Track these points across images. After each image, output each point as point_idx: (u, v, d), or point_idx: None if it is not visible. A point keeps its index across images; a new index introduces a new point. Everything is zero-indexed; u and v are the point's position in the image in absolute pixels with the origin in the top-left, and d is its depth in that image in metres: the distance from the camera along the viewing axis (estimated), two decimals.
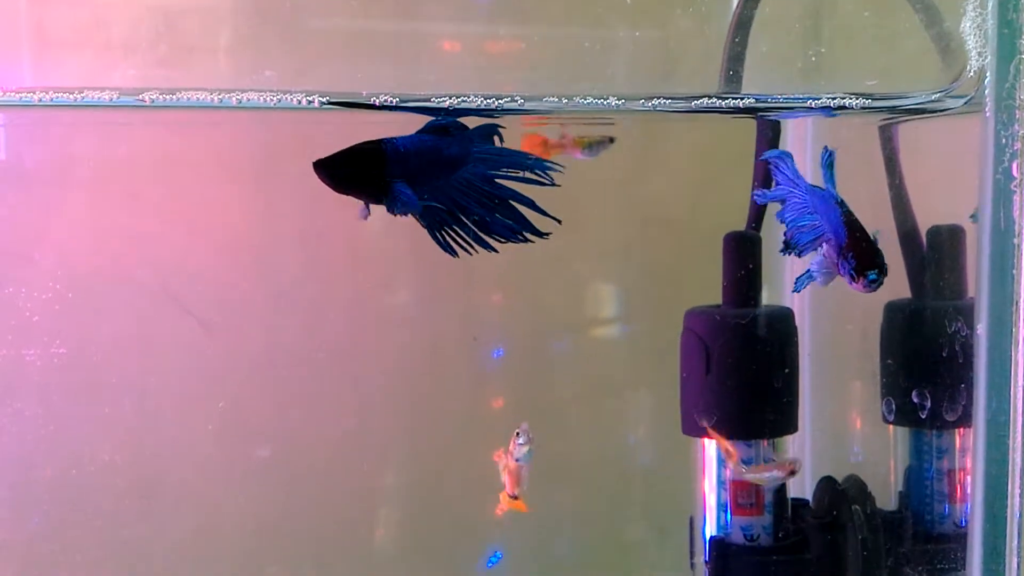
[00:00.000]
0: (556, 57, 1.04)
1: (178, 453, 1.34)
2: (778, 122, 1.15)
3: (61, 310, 1.25)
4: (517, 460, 1.10)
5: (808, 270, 0.98)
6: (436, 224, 0.93)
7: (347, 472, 1.38)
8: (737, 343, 1.12)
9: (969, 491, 0.98)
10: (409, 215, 0.92)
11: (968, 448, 1.10)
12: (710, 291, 1.18)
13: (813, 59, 1.01)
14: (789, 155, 1.00)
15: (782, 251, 1.00)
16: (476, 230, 0.93)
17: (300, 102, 0.91)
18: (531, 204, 0.95)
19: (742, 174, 1.18)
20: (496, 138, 0.96)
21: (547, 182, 0.95)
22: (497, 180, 0.95)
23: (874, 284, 0.95)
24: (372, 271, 1.36)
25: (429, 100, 0.92)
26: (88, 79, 1.04)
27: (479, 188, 0.94)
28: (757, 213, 1.17)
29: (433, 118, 0.94)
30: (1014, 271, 0.92)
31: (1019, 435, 0.93)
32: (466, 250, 0.94)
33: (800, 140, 1.28)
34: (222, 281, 1.34)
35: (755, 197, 0.99)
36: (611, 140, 1.13)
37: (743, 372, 1.12)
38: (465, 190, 0.93)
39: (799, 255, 0.99)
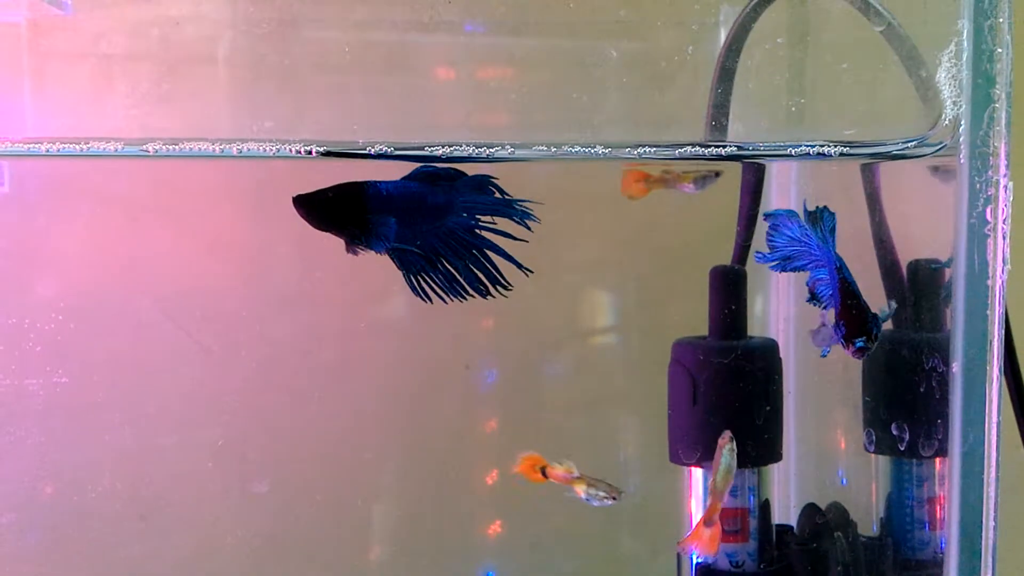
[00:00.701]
0: (546, 103, 1.06)
1: (176, 475, 1.36)
2: (762, 165, 1.18)
3: (63, 339, 1.27)
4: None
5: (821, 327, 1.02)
6: (413, 269, 0.95)
7: (343, 490, 1.39)
8: (722, 375, 1.14)
9: (946, 522, 0.99)
10: (387, 255, 0.94)
11: (946, 476, 1.08)
12: (701, 316, 1.20)
13: (793, 109, 1.03)
14: (794, 214, 1.03)
15: (808, 300, 1.03)
16: (449, 281, 0.96)
17: (298, 152, 0.93)
18: (507, 256, 0.97)
19: (732, 202, 1.21)
20: (493, 189, 0.98)
21: (527, 228, 0.98)
22: (478, 231, 0.97)
23: (862, 352, 0.99)
24: (367, 289, 1.37)
25: (423, 148, 0.94)
26: (89, 115, 1.05)
27: (459, 238, 0.96)
28: (742, 247, 1.20)
29: (424, 164, 0.97)
30: (987, 311, 0.94)
31: (993, 469, 0.96)
32: (441, 298, 0.96)
33: (784, 179, 1.31)
34: (219, 303, 1.36)
35: (757, 258, 1.03)
36: (717, 174, 1.15)
37: (728, 403, 1.14)
38: (444, 239, 0.95)
39: (824, 308, 1.02)
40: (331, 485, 1.39)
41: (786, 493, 1.32)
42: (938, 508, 1.15)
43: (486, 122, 1.11)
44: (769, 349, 1.17)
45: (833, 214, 1.01)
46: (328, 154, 0.93)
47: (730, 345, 1.15)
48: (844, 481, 1.29)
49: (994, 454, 0.96)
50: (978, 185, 0.93)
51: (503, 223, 0.99)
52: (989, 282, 0.93)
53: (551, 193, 1.18)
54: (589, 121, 1.04)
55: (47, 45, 1.09)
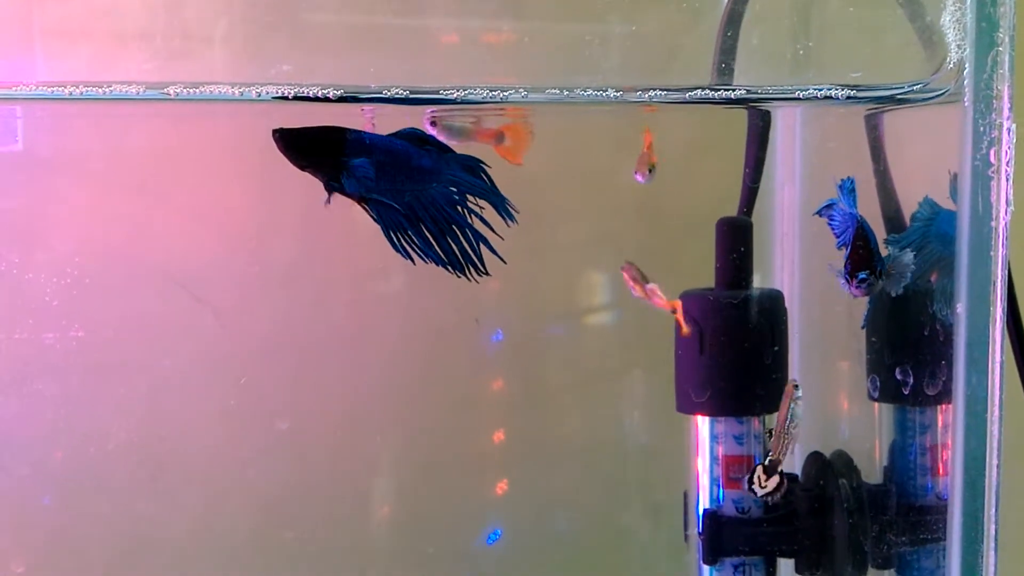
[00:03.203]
0: (553, 51, 1.07)
1: (187, 434, 1.37)
2: (768, 112, 1.19)
3: (78, 294, 1.28)
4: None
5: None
6: (393, 225, 0.96)
7: (351, 451, 1.41)
8: (729, 324, 1.16)
9: (950, 465, 0.99)
10: (367, 208, 0.95)
11: (949, 424, 1.09)
12: (703, 277, 1.20)
13: (801, 52, 1.04)
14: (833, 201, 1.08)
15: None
16: (426, 246, 0.97)
17: (316, 95, 0.94)
18: (484, 241, 0.98)
19: (732, 161, 1.22)
20: (483, 175, 0.99)
21: (507, 218, 0.99)
22: (461, 208, 0.98)
23: (864, 284, 1.03)
24: (371, 257, 1.37)
25: (437, 92, 0.96)
26: (103, 70, 1.06)
27: (440, 208, 0.97)
28: (748, 199, 1.20)
29: (415, 128, 0.98)
30: (991, 252, 0.95)
31: (996, 410, 0.97)
32: (421, 258, 0.97)
33: (789, 128, 1.31)
34: (227, 267, 1.37)
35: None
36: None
37: (735, 352, 1.15)
38: (425, 205, 0.96)
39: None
40: (339, 443, 1.40)
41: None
42: (941, 456, 1.16)
43: (494, 68, 1.12)
44: (775, 299, 1.18)
45: (851, 178, 1.06)
46: (344, 99, 0.94)
47: (736, 295, 1.16)
48: (846, 432, 1.30)
49: (997, 396, 0.96)
50: (982, 128, 0.93)
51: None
52: (993, 223, 0.94)
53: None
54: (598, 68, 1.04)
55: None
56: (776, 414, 1.10)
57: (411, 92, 0.95)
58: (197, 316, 1.33)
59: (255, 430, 1.37)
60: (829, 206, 1.08)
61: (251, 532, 1.39)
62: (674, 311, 1.14)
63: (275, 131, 0.94)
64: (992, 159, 0.93)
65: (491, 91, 0.95)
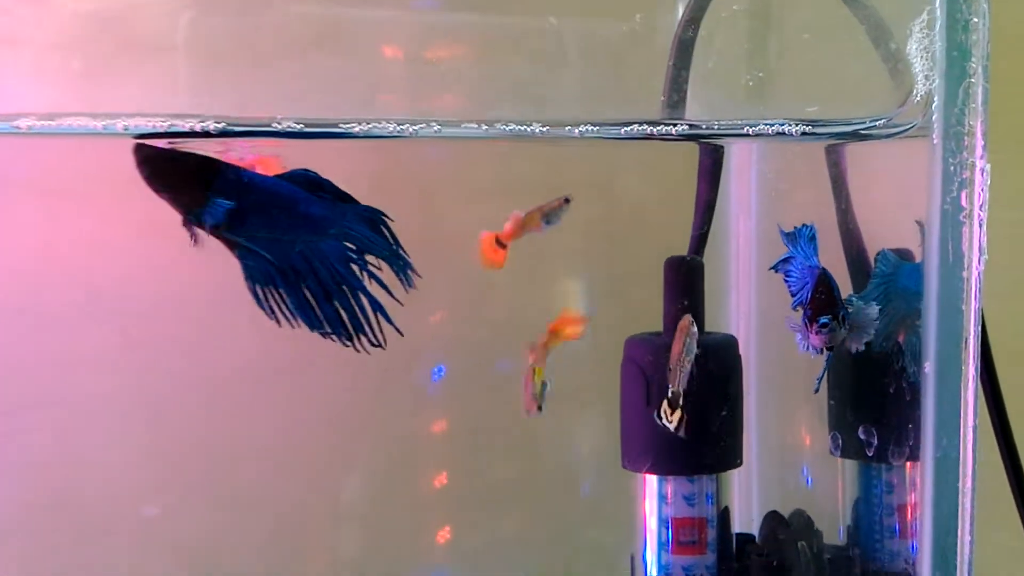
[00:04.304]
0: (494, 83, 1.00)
1: (105, 480, 1.28)
2: (720, 147, 1.12)
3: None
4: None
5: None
6: (260, 278, 0.86)
7: (283, 494, 1.33)
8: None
9: (918, 532, 0.94)
10: (234, 256, 0.85)
11: (917, 482, 1.08)
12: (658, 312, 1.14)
13: (751, 84, 0.96)
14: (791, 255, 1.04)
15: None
16: (300, 306, 0.87)
17: (193, 128, 0.84)
18: (380, 309, 0.90)
19: (687, 192, 1.16)
20: (385, 230, 0.90)
21: (406, 284, 0.91)
22: (353, 267, 0.89)
23: (824, 330, 0.97)
24: None
25: (336, 125, 0.86)
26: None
27: (329, 266, 0.88)
28: (700, 237, 1.14)
29: (308, 171, 0.88)
30: (963, 306, 0.89)
31: (969, 478, 0.91)
32: (288, 319, 0.88)
33: (744, 160, 1.26)
34: (148, 296, 1.26)
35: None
36: (567, 200, 1.08)
37: (686, 405, 1.06)
38: (309, 260, 0.87)
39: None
40: (274, 480, 1.33)
41: (747, 500, 1.29)
42: (909, 516, 1.12)
43: (433, 104, 1.04)
44: (728, 346, 1.12)
45: (810, 225, 1.02)
46: (226, 133, 0.84)
47: None
48: (809, 482, 1.25)
49: (970, 461, 0.91)
50: (952, 167, 0.87)
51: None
52: (965, 274, 0.88)
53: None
54: (542, 101, 0.96)
55: None
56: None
57: (306, 124, 0.85)
58: (115, 351, 1.24)
59: (177, 471, 1.29)
60: (786, 260, 1.03)
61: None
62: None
63: (136, 144, 0.84)
64: (963, 202, 0.87)
65: (399, 125, 0.84)
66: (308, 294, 0.87)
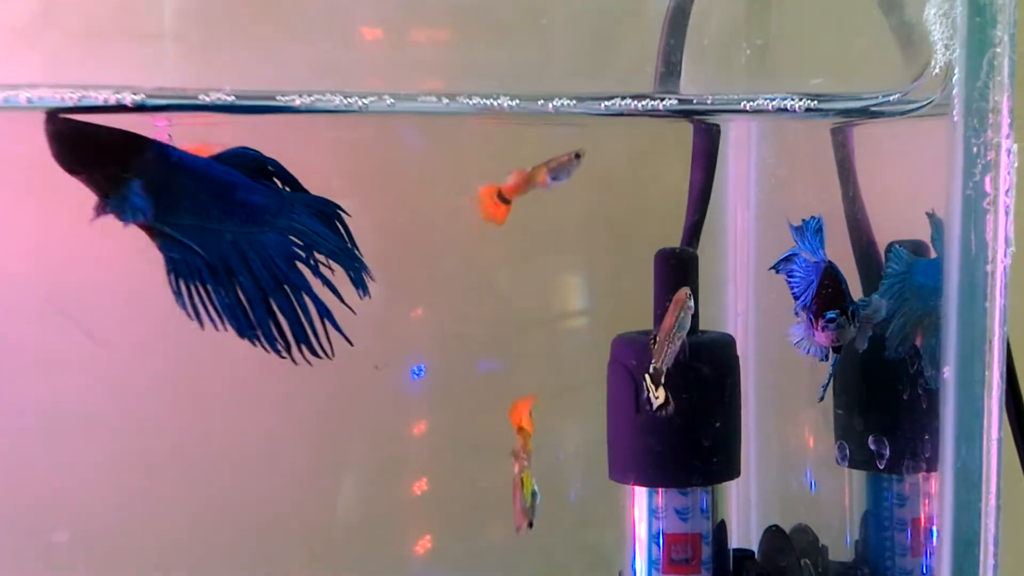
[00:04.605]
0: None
1: (67, 486, 1.25)
2: (717, 126, 1.07)
3: None
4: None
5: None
6: (183, 271, 0.78)
7: (254, 499, 1.30)
8: (671, 377, 1.02)
9: (936, 545, 0.93)
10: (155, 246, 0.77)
11: (933, 494, 1.06)
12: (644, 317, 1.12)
13: (748, 52, 0.90)
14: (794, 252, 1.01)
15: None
16: (230, 307, 0.79)
17: (108, 100, 0.75)
18: (328, 315, 0.82)
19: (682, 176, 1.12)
20: (339, 225, 0.82)
21: (360, 290, 0.84)
22: (300, 265, 0.81)
23: (832, 325, 0.94)
24: None
25: (273, 98, 0.77)
26: None
27: (269, 261, 0.80)
28: (694, 227, 1.11)
29: (251, 150, 0.80)
30: (986, 303, 0.84)
31: (993, 495, 0.86)
32: (212, 320, 0.80)
33: (742, 143, 1.21)
34: (117, 297, 1.23)
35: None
36: (577, 156, 1.03)
37: (677, 410, 1.02)
38: (245, 253, 0.79)
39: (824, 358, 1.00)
40: (242, 485, 1.29)
41: (746, 513, 1.26)
42: (923, 531, 1.08)
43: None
44: (725, 345, 1.09)
45: (816, 217, 0.99)
46: (145, 107, 0.75)
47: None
48: (813, 490, 1.23)
49: (994, 476, 0.86)
50: (975, 148, 0.81)
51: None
52: (989, 267, 0.82)
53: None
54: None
55: None
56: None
57: (237, 97, 0.76)
58: (77, 351, 1.20)
59: (144, 478, 1.25)
60: (788, 259, 1.00)
61: None
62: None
63: (48, 115, 0.75)
64: (987, 187, 0.82)
65: (345, 98, 0.76)
66: (240, 293, 0.78)
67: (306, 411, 1.29)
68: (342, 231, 0.83)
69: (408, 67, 0.98)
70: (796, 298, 0.99)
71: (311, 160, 0.97)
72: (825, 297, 0.94)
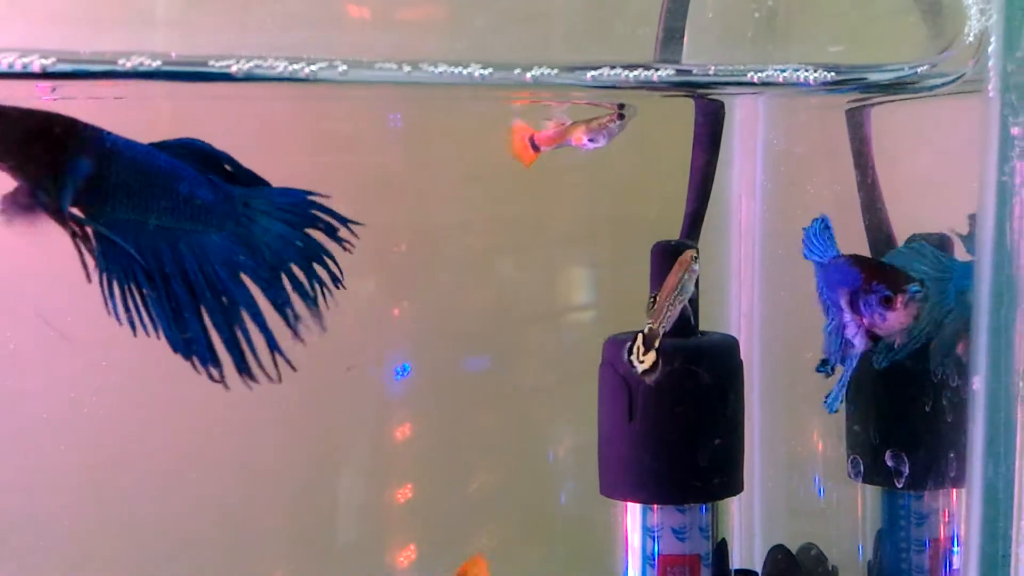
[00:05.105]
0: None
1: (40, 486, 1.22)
2: (721, 104, 1.04)
3: None
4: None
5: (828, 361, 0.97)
6: (117, 270, 0.70)
7: (235, 505, 1.27)
8: (667, 382, 1.00)
9: (958, 568, 0.93)
10: (87, 240, 0.70)
11: (955, 512, 1.02)
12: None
13: (756, 15, 0.83)
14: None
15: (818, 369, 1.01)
16: (163, 315, 0.71)
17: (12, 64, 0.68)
18: (271, 340, 0.74)
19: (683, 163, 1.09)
20: (319, 219, 0.75)
21: (315, 316, 0.76)
22: (249, 277, 0.73)
23: (918, 295, 0.89)
24: None
25: (206, 64, 0.70)
26: None
27: (208, 269, 0.72)
28: (694, 217, 1.07)
29: (198, 141, 0.72)
30: (1022, 307, 0.79)
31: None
32: (144, 325, 0.72)
33: (749, 124, 1.18)
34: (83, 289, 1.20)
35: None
36: (621, 116, 1.01)
37: (675, 419, 1.01)
38: (183, 256, 0.71)
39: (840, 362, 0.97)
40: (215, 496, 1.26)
41: (749, 531, 1.24)
42: (943, 552, 1.05)
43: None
44: (728, 348, 1.05)
45: (822, 217, 0.97)
46: (49, 74, 0.67)
47: (678, 344, 1.01)
48: (817, 519, 1.19)
49: None
50: (1013, 129, 0.76)
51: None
52: None
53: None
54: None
55: None
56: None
57: (164, 63, 0.68)
58: (47, 347, 1.16)
59: (121, 480, 1.22)
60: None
61: None
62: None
63: None
64: None
65: (291, 64, 0.68)
66: (173, 303, 0.70)
67: (284, 412, 1.23)
68: (320, 228, 0.75)
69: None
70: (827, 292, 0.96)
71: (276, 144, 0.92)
72: (890, 275, 0.90)
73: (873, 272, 0.91)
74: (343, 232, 0.78)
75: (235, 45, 0.75)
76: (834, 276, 0.94)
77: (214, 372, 0.72)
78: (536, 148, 1.03)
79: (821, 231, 0.96)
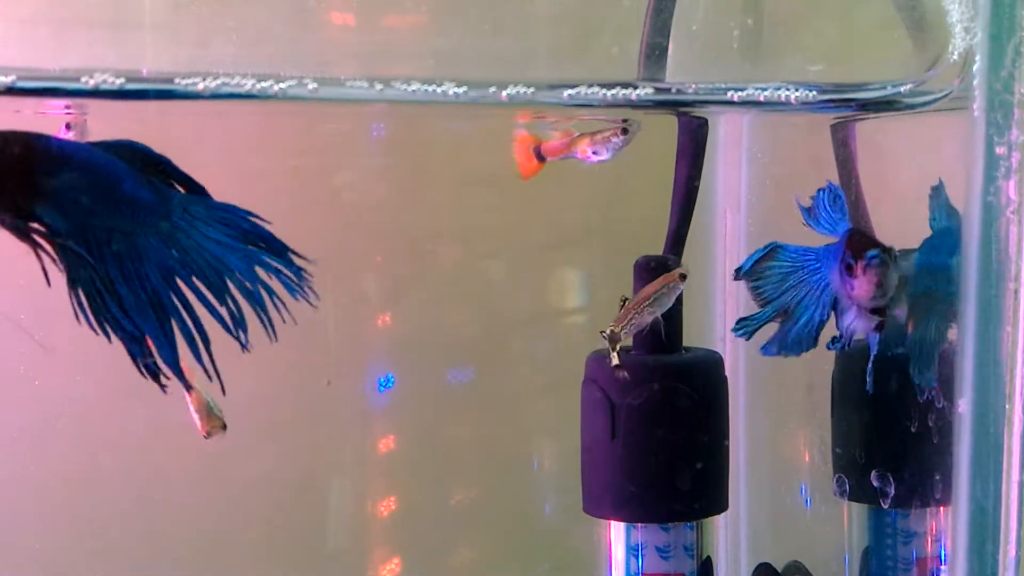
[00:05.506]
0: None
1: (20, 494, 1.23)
2: (705, 121, 1.04)
3: None
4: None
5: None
6: (85, 282, 0.69)
7: (213, 519, 1.27)
8: (651, 399, 1.00)
9: None
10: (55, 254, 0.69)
11: (943, 531, 1.01)
12: None
13: (735, 33, 0.83)
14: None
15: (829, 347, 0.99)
16: (105, 313, 0.70)
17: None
18: (207, 348, 0.73)
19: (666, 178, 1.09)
20: (262, 240, 0.73)
21: (268, 330, 0.75)
22: (185, 282, 0.71)
23: (875, 261, 0.87)
24: None
25: (172, 81, 0.69)
26: None
27: (140, 273, 0.70)
28: (677, 232, 1.07)
29: (135, 143, 0.70)
30: (1007, 328, 0.78)
31: (1013, 544, 0.80)
32: (112, 328, 0.71)
33: (734, 140, 1.19)
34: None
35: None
36: (624, 131, 1.01)
37: (658, 437, 1.00)
38: (123, 260, 0.70)
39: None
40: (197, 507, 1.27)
41: (735, 549, 1.23)
42: (930, 571, 1.04)
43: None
44: (712, 365, 1.05)
45: (831, 185, 0.95)
46: (15, 90, 0.66)
47: (661, 361, 1.02)
48: (803, 536, 1.18)
49: (1014, 519, 0.80)
50: (998, 148, 0.76)
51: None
52: (1012, 285, 0.77)
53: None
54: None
55: None
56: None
57: (127, 80, 0.67)
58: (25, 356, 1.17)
59: (99, 495, 1.23)
60: (769, 254, 0.98)
61: None
62: None
63: None
64: (1011, 193, 0.76)
65: (260, 82, 0.68)
66: (118, 306, 0.69)
67: (268, 424, 1.24)
68: (264, 244, 0.73)
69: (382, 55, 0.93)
70: (766, 304, 0.96)
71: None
72: (858, 240, 0.89)
73: (847, 242, 0.91)
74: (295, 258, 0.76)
75: (203, 62, 0.75)
76: (834, 254, 0.93)
77: (153, 373, 0.71)
78: (541, 159, 1.04)
79: (831, 201, 0.95)
